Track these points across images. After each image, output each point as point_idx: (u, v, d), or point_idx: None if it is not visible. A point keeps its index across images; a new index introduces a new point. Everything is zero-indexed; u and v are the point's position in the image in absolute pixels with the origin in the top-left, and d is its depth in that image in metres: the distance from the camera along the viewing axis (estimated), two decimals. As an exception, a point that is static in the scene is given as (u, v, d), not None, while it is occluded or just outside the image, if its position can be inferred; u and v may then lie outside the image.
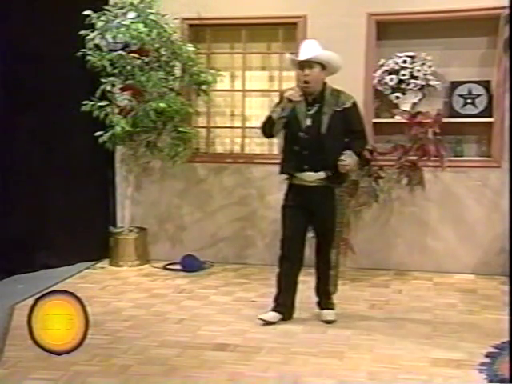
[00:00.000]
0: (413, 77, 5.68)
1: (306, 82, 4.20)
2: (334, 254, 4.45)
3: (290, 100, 4.19)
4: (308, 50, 4.21)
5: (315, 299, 4.57)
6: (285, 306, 4.43)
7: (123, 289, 5.34)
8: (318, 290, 4.56)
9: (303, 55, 4.21)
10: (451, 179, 5.77)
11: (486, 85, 5.73)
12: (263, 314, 4.43)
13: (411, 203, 5.87)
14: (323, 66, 4.21)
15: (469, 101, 5.75)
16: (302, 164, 4.27)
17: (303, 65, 4.20)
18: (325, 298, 4.54)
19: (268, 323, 4.36)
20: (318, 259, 4.48)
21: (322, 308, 4.54)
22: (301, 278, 4.44)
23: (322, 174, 4.25)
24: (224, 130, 6.45)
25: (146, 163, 6.19)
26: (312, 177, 4.26)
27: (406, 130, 5.64)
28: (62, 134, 5.79)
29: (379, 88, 5.85)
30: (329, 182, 4.27)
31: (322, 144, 4.21)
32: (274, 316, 4.40)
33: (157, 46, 5.66)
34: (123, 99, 5.61)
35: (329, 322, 4.43)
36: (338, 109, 4.24)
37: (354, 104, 4.34)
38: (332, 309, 4.53)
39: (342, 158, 4.17)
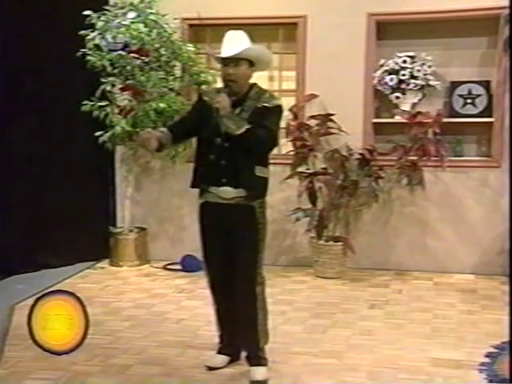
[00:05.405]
0: (413, 77, 5.68)
1: (231, 81, 3.50)
2: (259, 290, 3.54)
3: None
4: (233, 43, 3.52)
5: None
6: (231, 345, 3.75)
7: (123, 289, 5.34)
8: (244, 339, 3.66)
9: (228, 50, 3.49)
10: (451, 179, 5.77)
11: (486, 85, 5.73)
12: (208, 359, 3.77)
13: (411, 203, 5.87)
14: (251, 63, 3.55)
15: (469, 101, 5.75)
16: (218, 177, 3.52)
17: (228, 61, 3.49)
18: (254, 351, 3.60)
19: (215, 369, 3.70)
20: (240, 299, 3.56)
21: (251, 364, 3.59)
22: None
23: (241, 191, 3.48)
24: (224, 130, 6.43)
25: (145, 163, 6.19)
26: (230, 193, 3.50)
27: (406, 130, 5.64)
28: (62, 134, 5.78)
29: (379, 88, 5.85)
30: (249, 199, 3.50)
31: (242, 150, 3.43)
32: (222, 361, 3.73)
33: (157, 45, 5.66)
34: (123, 99, 5.62)
35: (259, 383, 3.51)
36: (258, 105, 3.51)
37: (277, 107, 3.55)
38: (264, 364, 3.58)
39: (221, 96, 3.44)
